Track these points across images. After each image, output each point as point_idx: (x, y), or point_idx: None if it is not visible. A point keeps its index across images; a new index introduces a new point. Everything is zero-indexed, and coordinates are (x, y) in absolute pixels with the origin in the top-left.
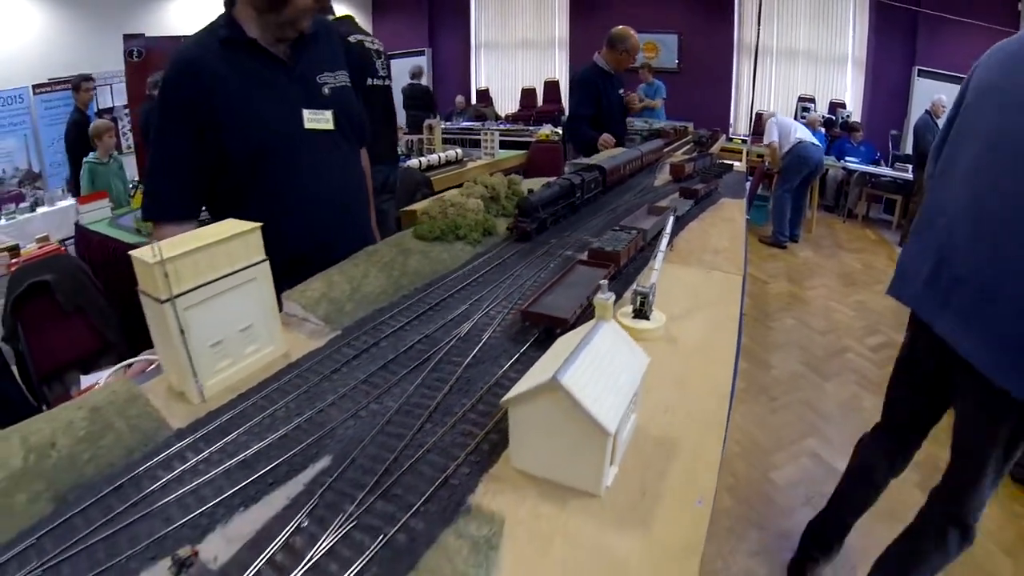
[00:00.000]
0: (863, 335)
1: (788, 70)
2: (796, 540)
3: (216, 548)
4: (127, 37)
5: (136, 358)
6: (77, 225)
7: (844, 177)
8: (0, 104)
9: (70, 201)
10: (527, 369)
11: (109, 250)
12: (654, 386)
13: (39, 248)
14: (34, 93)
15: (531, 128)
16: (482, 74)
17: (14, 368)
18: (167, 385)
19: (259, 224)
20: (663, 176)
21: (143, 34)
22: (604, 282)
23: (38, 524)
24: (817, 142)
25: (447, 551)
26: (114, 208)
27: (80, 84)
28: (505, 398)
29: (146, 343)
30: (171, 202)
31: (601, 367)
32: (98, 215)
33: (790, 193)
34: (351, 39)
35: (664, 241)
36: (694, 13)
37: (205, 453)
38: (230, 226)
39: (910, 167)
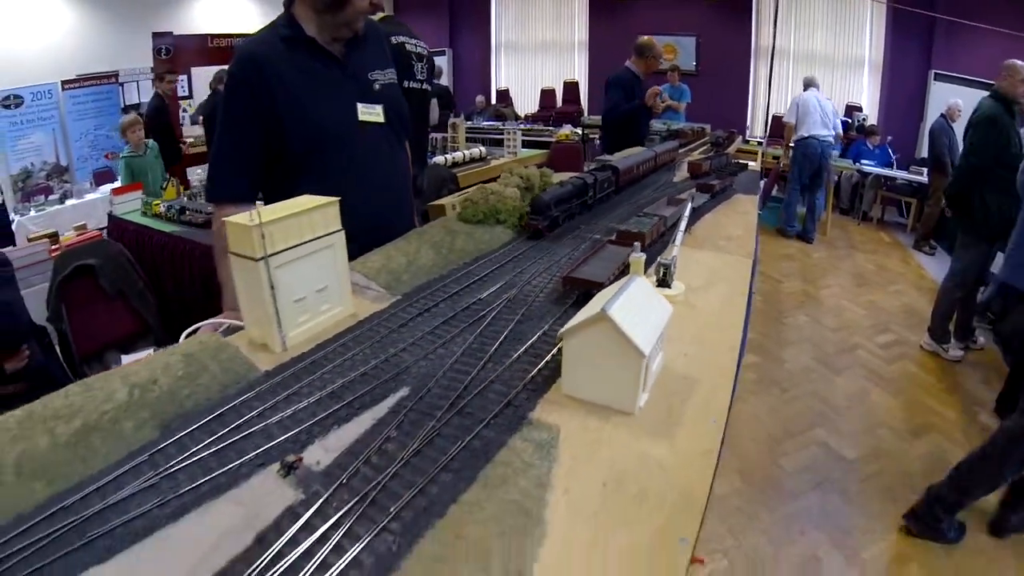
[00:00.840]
0: (873, 333)
1: (805, 73)
2: (803, 522)
3: (317, 455)
4: (156, 35)
5: (202, 323)
6: (110, 215)
7: (859, 180)
8: (30, 99)
9: (98, 194)
10: (552, 338)
11: (144, 238)
12: (675, 338)
13: (78, 235)
14: (63, 89)
15: (551, 128)
16: (502, 74)
17: (57, 348)
18: (247, 340)
19: (337, 199)
20: (681, 173)
21: (171, 32)
22: (637, 244)
23: (147, 445)
24: (830, 138)
25: (515, 450)
26: (147, 198)
27: (164, 76)
28: (561, 331)
29: (182, 326)
30: (232, 185)
31: (636, 309)
32: (131, 206)
33: (797, 186)
34: (393, 40)
35: (683, 224)
36: (712, 16)
37: (294, 387)
38: (309, 200)
39: (925, 170)
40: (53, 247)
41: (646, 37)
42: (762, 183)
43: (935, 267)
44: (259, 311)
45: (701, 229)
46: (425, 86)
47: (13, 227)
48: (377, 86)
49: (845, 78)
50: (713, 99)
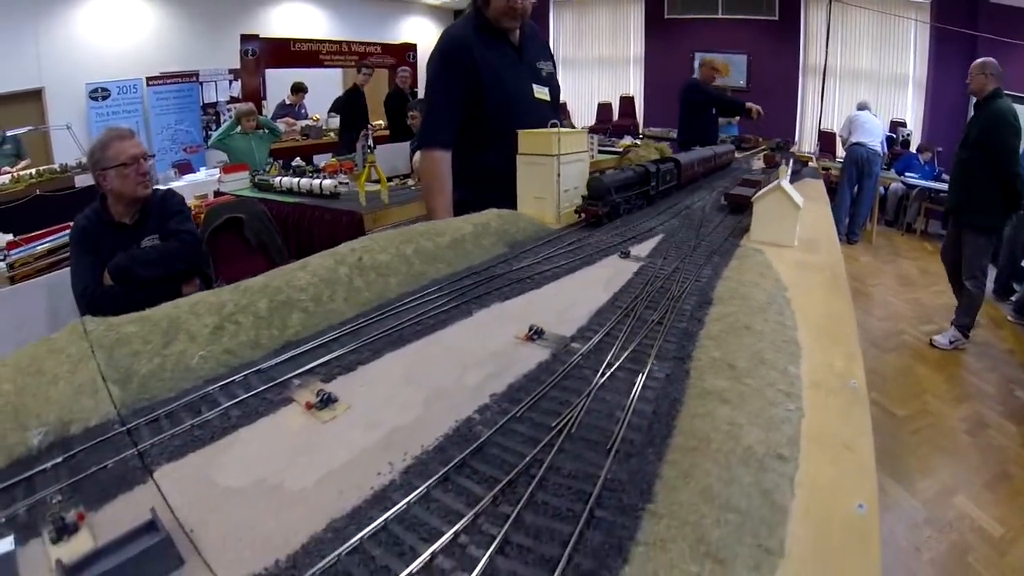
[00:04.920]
0: (918, 323)
1: (851, 89)
2: None
3: (637, 251)
4: (243, 37)
5: None
6: (217, 192)
7: (904, 193)
8: (116, 92)
9: (183, 182)
10: (731, 222)
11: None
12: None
13: (202, 202)
14: (147, 85)
15: (614, 139)
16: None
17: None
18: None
19: (586, 129)
20: (758, 164)
21: (258, 35)
22: (781, 158)
23: (499, 256)
24: (877, 146)
25: (740, 257)
26: (254, 177)
27: (361, 68)
28: (754, 198)
29: None
30: (438, 134)
31: (790, 189)
32: (238, 184)
33: (846, 191)
34: None
35: (789, 168)
36: (763, 35)
37: (585, 234)
38: (568, 130)
39: None
40: (201, 204)
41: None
42: None
43: None
44: (545, 193)
45: None
46: None
47: None
48: (543, 73)
49: (890, 95)
50: (764, 115)
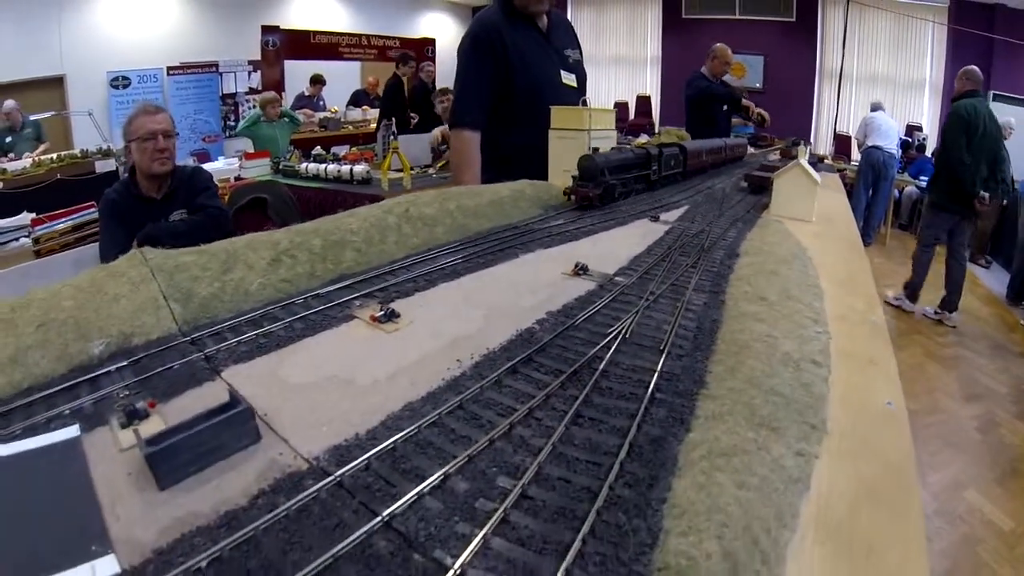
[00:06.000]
0: (930, 324)
1: (867, 93)
2: None
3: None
4: (264, 28)
5: None
6: (238, 178)
7: (919, 197)
8: (136, 81)
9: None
10: (752, 200)
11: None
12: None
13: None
14: (167, 74)
15: (630, 137)
16: None
17: None
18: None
19: (613, 108)
20: (775, 156)
21: (278, 26)
22: (800, 140)
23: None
24: (893, 149)
25: (762, 225)
26: (278, 164)
27: (406, 61)
28: (774, 176)
29: None
30: (468, 115)
31: (809, 167)
32: (260, 171)
33: (862, 194)
34: None
35: (807, 149)
36: (780, 36)
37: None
38: (598, 107)
39: None
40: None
41: (717, 44)
42: None
43: (989, 278)
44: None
45: None
46: None
47: None
48: (571, 60)
49: (906, 99)
50: (779, 116)
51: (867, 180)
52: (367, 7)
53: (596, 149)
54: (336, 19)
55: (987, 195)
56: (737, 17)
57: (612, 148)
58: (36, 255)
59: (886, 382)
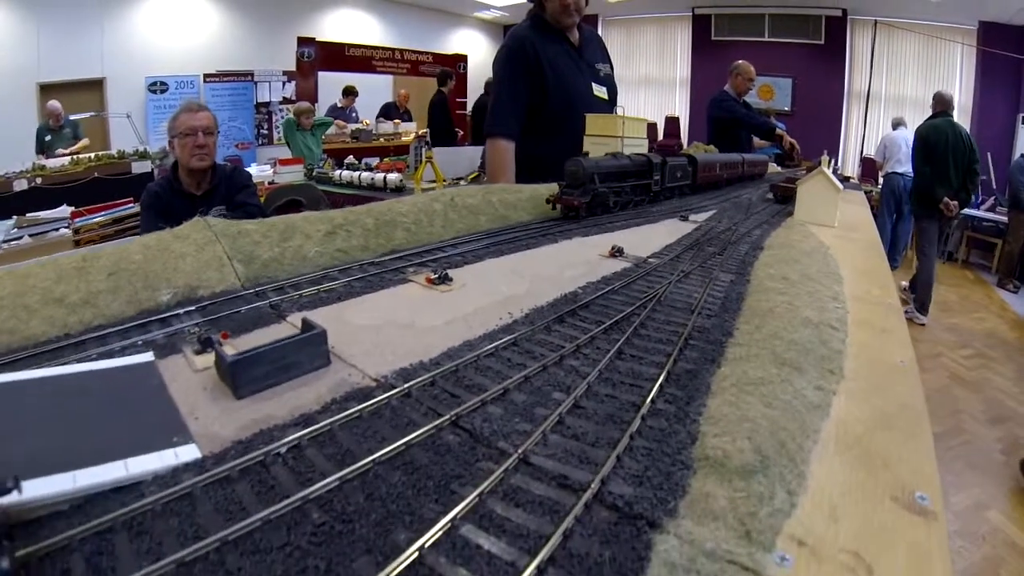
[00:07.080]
0: (956, 347)
1: (895, 116)
2: None
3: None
4: (300, 40)
5: None
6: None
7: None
8: (174, 87)
9: None
10: (776, 208)
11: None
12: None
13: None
14: (204, 81)
15: None
16: None
17: None
18: None
19: (647, 118)
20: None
21: (314, 39)
22: (825, 151)
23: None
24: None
25: (786, 227)
26: (311, 171)
27: (448, 77)
28: (798, 183)
29: None
30: (503, 125)
31: (831, 175)
32: (293, 177)
33: (886, 219)
34: None
35: (831, 161)
36: (808, 58)
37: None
38: (631, 116)
39: (1005, 209)
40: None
41: (739, 61)
42: None
43: (1018, 302)
44: None
45: None
46: None
47: None
48: (602, 73)
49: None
50: (807, 138)
51: (890, 206)
52: (400, 22)
53: (587, 153)
54: (370, 32)
55: (954, 203)
56: (766, 39)
57: (606, 154)
58: (76, 244)
59: (899, 346)
